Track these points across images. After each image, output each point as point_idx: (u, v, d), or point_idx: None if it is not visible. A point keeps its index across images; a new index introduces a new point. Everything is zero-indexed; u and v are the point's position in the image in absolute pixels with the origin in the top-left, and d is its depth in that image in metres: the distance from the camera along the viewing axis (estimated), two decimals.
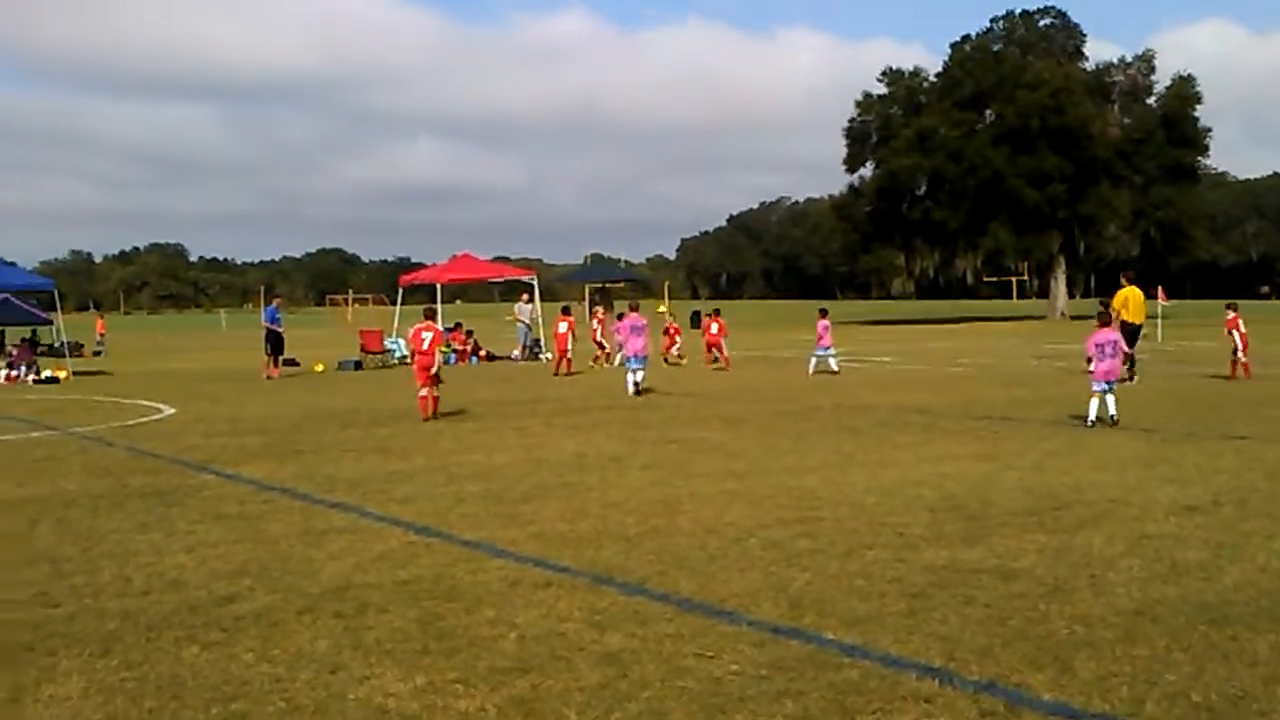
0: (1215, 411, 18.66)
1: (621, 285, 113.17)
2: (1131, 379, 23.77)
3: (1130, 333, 24.66)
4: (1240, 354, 25.27)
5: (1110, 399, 16.72)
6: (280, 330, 31.64)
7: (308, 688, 5.89)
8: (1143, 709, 5.43)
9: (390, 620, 7.07)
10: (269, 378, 30.29)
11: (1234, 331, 25.47)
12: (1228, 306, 26.98)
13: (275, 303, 33.68)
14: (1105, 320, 17.98)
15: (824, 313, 30.23)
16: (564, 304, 34.48)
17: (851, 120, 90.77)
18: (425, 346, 19.58)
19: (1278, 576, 7.78)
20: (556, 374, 29.81)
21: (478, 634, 6.75)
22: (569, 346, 30.37)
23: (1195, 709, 5.43)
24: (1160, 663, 6.05)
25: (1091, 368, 16.97)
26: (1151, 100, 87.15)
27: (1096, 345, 17.03)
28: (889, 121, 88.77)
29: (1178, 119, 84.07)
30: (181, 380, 30.64)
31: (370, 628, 6.91)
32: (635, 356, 23.69)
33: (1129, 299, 24.98)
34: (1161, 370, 25.77)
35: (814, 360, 28.95)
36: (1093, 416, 16.70)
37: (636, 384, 23.22)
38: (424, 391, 19.33)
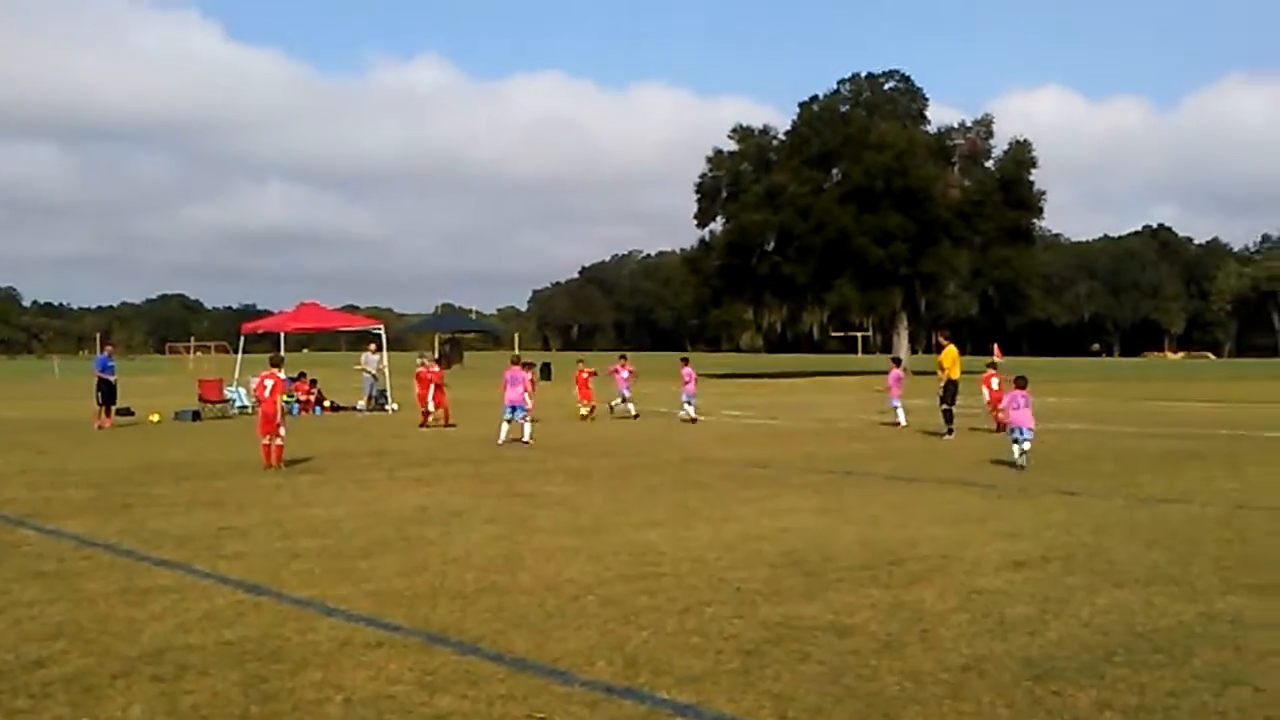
0: (1049, 466, 19.19)
1: (471, 336, 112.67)
2: (950, 434, 24.61)
3: (951, 389, 25.54)
4: (989, 407, 27.62)
5: (1025, 448, 18.88)
6: (112, 379, 30.62)
7: None
8: None
9: (211, 684, 6.79)
10: (100, 428, 29.26)
11: (985, 386, 28.08)
12: (989, 365, 29.81)
13: (107, 350, 32.69)
14: (1022, 384, 19.90)
15: (685, 360, 31.37)
16: (420, 354, 33.88)
17: (703, 175, 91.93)
18: (267, 394, 19.45)
19: (1099, 631, 7.98)
20: (424, 426, 29.06)
21: (303, 697, 6.53)
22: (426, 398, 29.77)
23: None
24: (985, 718, 6.13)
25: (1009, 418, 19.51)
26: (990, 163, 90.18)
27: (1011, 398, 19.61)
28: (739, 178, 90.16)
29: (1014, 182, 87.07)
30: (6, 429, 29.39)
31: (189, 692, 6.63)
32: (510, 406, 24.04)
33: (953, 356, 26.02)
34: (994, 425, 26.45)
35: (684, 409, 30.18)
36: (1020, 460, 18.77)
37: (507, 433, 23.77)
38: (265, 440, 19.16)
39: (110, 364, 31.14)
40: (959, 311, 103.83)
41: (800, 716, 6.17)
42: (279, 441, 19.20)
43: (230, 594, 9.27)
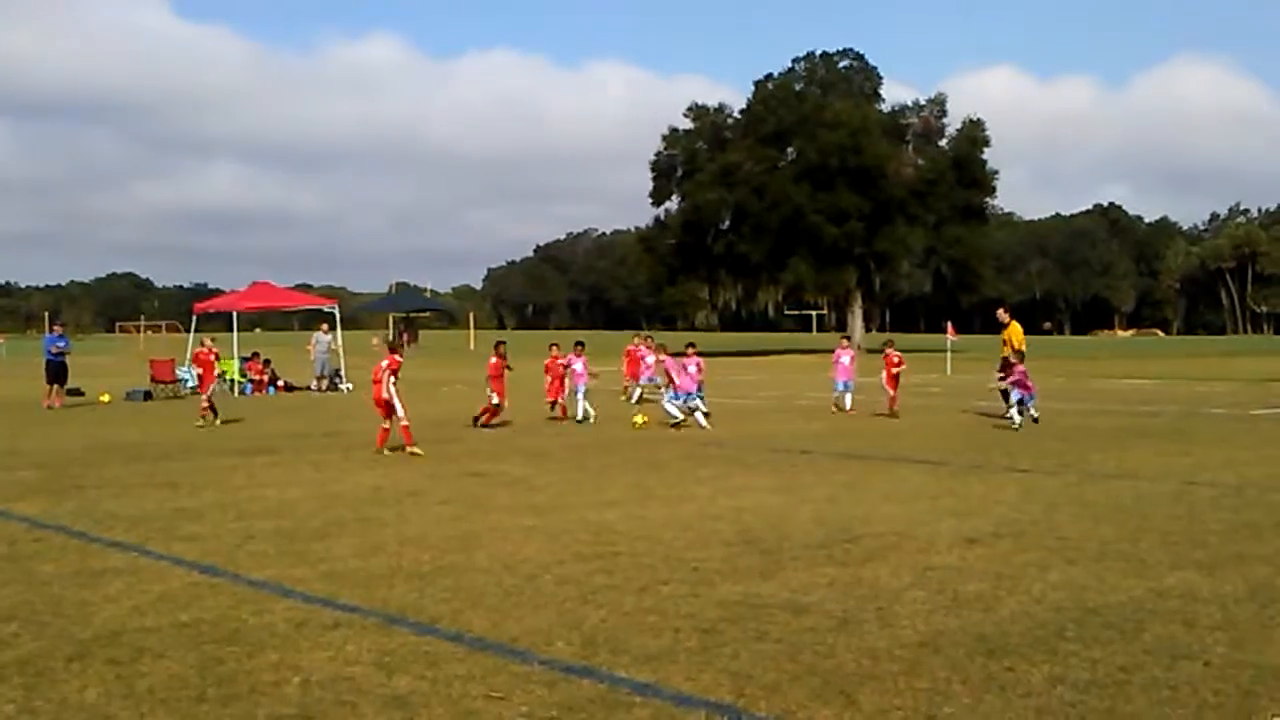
0: (1000, 444, 19.40)
1: (427, 315, 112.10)
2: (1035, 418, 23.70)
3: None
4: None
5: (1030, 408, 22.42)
6: (64, 358, 30.28)
7: None
8: None
9: (167, 666, 6.75)
10: (50, 408, 28.95)
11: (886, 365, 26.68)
12: (885, 344, 27.99)
13: (57, 329, 32.30)
14: (1020, 358, 22.99)
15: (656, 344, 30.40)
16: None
17: (658, 154, 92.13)
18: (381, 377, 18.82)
19: (1052, 607, 8.08)
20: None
21: (260, 679, 6.50)
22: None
23: None
24: (940, 695, 6.19)
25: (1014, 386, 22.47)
26: (943, 142, 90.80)
27: (1023, 372, 22.45)
28: (694, 156, 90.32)
29: (967, 161, 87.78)
30: None
31: (144, 675, 6.59)
32: (680, 393, 23.11)
33: (1018, 333, 24.27)
34: (950, 403, 26.68)
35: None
36: (1018, 422, 21.83)
37: (674, 418, 22.69)
38: (386, 424, 18.75)
39: (65, 342, 30.79)
40: (912, 290, 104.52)
41: (758, 694, 6.21)
42: (398, 424, 18.56)
43: (185, 576, 9.21)
